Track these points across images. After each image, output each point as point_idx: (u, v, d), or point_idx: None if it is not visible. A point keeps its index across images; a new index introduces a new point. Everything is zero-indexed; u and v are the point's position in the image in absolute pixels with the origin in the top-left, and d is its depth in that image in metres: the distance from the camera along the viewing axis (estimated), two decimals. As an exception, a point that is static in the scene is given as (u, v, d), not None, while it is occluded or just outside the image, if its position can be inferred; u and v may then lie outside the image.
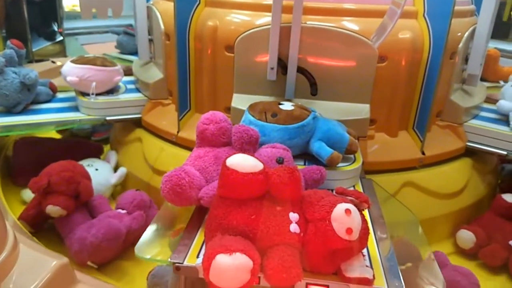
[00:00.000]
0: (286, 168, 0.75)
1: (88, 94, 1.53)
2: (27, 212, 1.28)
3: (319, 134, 1.06)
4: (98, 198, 1.32)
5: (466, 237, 1.30)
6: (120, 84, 1.68)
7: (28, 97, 1.51)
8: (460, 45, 1.39)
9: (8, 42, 1.56)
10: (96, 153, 1.67)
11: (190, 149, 1.35)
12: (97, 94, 1.55)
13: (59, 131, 1.83)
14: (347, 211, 0.68)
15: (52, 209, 1.19)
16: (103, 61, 1.57)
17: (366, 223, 0.73)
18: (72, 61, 1.56)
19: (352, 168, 1.05)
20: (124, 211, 1.28)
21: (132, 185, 1.47)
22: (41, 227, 1.30)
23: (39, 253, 0.78)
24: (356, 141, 1.10)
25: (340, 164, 1.04)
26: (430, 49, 1.28)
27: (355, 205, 0.72)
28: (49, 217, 1.24)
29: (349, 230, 0.67)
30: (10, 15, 2.13)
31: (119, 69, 1.62)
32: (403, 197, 1.24)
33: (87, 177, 1.29)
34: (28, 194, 1.39)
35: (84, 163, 1.43)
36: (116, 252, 1.22)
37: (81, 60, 1.56)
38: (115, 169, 1.53)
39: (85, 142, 1.76)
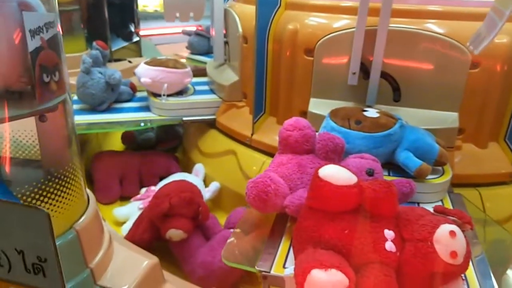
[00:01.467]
0: (382, 182, 0.71)
1: (159, 95, 1.57)
2: (140, 236, 1.17)
3: (406, 144, 1.01)
4: (211, 218, 1.24)
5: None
6: (189, 85, 1.71)
7: (112, 96, 1.59)
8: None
9: (94, 43, 1.65)
10: (174, 164, 1.64)
11: (263, 151, 1.37)
12: (168, 95, 1.58)
13: (123, 141, 1.86)
14: (452, 232, 0.64)
15: (175, 233, 1.12)
16: (174, 63, 1.61)
17: (469, 246, 0.68)
18: (146, 63, 1.61)
19: (441, 181, 0.99)
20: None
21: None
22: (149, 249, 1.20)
23: (133, 252, 0.81)
24: (447, 152, 1.03)
25: (428, 177, 0.98)
26: (529, 54, 1.18)
27: (458, 226, 0.67)
28: (162, 239, 1.16)
29: (453, 254, 0.63)
30: (92, 16, 2.26)
31: (189, 71, 1.64)
32: (491, 214, 1.16)
33: (202, 197, 1.22)
34: (122, 212, 1.39)
35: (176, 178, 1.38)
36: (238, 275, 1.14)
37: (154, 62, 1.61)
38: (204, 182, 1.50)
39: (162, 153, 1.72)
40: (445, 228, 0.65)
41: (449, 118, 1.18)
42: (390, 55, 1.19)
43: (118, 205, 1.48)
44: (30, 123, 0.66)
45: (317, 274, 0.62)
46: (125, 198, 1.52)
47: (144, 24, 3.12)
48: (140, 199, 1.40)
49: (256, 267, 0.76)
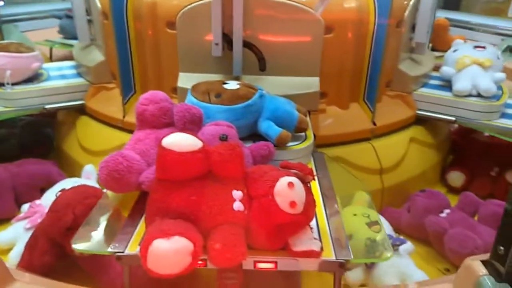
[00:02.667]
0: (227, 144, 0.71)
1: (3, 84, 1.40)
2: (39, 260, 1.02)
3: (266, 114, 1.02)
4: None
5: (456, 176, 1.47)
6: (42, 71, 1.55)
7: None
8: (406, 13, 1.39)
9: None
10: (55, 170, 1.40)
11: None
12: (14, 84, 1.41)
13: None
14: (290, 184, 0.66)
15: None
16: (17, 47, 1.44)
17: (312, 195, 0.71)
18: None
19: (303, 146, 1.02)
20: None
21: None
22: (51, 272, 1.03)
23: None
24: (307, 118, 1.07)
25: (290, 143, 1.01)
26: (376, 18, 1.27)
27: (300, 178, 0.69)
28: (68, 257, 1.02)
29: (292, 204, 0.65)
30: None
31: (36, 55, 1.49)
32: (357, 169, 1.25)
33: None
34: (4, 238, 1.16)
35: (66, 186, 1.19)
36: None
37: None
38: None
39: (36, 161, 1.44)
40: (283, 181, 0.67)
41: (311, 83, 1.23)
42: (252, 25, 1.20)
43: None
44: None
45: (159, 244, 0.60)
46: (1, 221, 1.29)
47: (9, 10, 2.80)
48: (24, 218, 1.17)
49: (109, 248, 0.72)
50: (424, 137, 1.44)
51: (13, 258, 1.09)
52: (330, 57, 1.26)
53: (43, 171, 1.38)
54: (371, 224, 0.98)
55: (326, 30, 1.21)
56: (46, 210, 1.09)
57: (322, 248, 0.71)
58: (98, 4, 1.38)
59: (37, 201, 1.21)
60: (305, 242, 0.70)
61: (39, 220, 1.10)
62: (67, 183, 1.22)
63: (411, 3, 1.39)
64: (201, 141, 0.71)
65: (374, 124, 1.32)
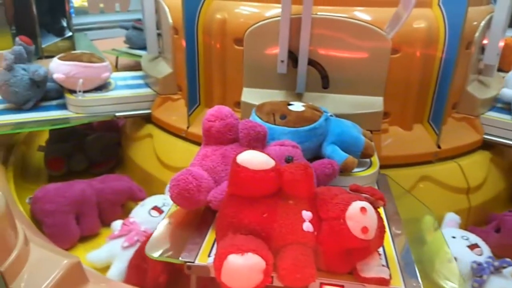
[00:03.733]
0: (299, 164, 0.73)
1: (75, 92, 1.50)
2: (154, 281, 0.98)
3: (332, 137, 1.01)
4: None
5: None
6: (111, 80, 1.63)
7: (37, 94, 1.51)
8: (477, 34, 1.35)
9: (17, 39, 1.56)
10: (135, 187, 1.39)
11: (200, 144, 1.35)
12: (85, 92, 1.51)
13: (50, 168, 1.58)
14: (363, 209, 0.66)
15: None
16: (89, 57, 1.54)
17: (382, 221, 0.71)
18: (59, 58, 1.53)
19: (368, 173, 1.01)
20: None
21: (143, 180, 1.46)
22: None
23: (50, 252, 0.77)
24: (373, 144, 1.05)
25: (355, 170, 0.99)
26: (446, 39, 1.24)
27: (370, 203, 0.69)
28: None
29: (364, 229, 0.65)
30: (18, 11, 2.13)
31: (107, 65, 1.58)
32: (418, 192, 1.22)
33: None
34: (99, 257, 1.14)
35: (158, 201, 1.21)
36: None
37: (68, 57, 1.53)
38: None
39: (116, 176, 1.45)
40: (356, 205, 0.67)
41: (375, 103, 1.22)
42: (317, 43, 1.21)
43: (83, 248, 1.25)
44: None
45: (233, 259, 0.62)
46: (86, 238, 1.29)
47: (80, 19, 3.00)
48: (119, 236, 1.15)
49: (180, 258, 0.75)
50: (492, 162, 1.39)
51: (112, 276, 1.07)
52: (396, 77, 1.24)
53: (125, 187, 1.37)
54: (472, 246, 0.96)
55: (393, 50, 1.20)
56: (141, 228, 1.12)
57: (391, 276, 0.70)
58: (170, 20, 1.45)
59: (131, 219, 1.19)
60: (373, 268, 0.70)
61: (136, 238, 1.11)
62: (157, 200, 1.24)
63: (481, 24, 1.35)
64: (273, 160, 0.73)
65: (439, 147, 1.28)
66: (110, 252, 1.13)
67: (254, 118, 1.04)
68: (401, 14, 1.09)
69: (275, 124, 1.00)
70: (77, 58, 1.52)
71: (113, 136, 1.71)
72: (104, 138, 1.66)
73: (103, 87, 1.59)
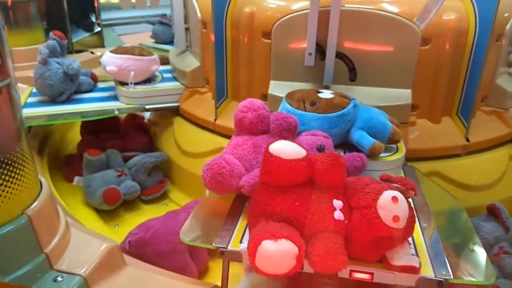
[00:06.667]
0: (330, 154, 0.74)
1: (126, 84, 1.57)
2: None
3: (360, 123, 1.03)
4: None
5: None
6: (157, 73, 1.71)
7: (71, 87, 1.57)
8: (508, 26, 1.32)
9: (51, 33, 1.61)
10: None
11: (227, 136, 1.38)
12: (135, 83, 1.57)
13: (107, 201, 1.37)
14: (394, 198, 0.67)
15: None
16: (140, 51, 1.60)
17: (413, 210, 0.72)
18: (111, 51, 1.60)
19: (394, 158, 1.02)
20: None
21: (171, 171, 1.49)
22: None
23: (90, 236, 0.81)
24: (399, 130, 1.07)
25: (382, 154, 1.01)
26: (476, 31, 1.22)
27: (401, 192, 0.70)
28: None
29: (396, 218, 0.66)
30: (50, 7, 2.20)
31: (155, 59, 1.64)
32: (446, 185, 1.21)
33: None
34: None
35: None
36: None
37: (120, 50, 1.60)
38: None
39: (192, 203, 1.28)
40: (387, 194, 0.68)
41: (403, 95, 1.22)
42: (345, 36, 1.22)
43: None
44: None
45: (267, 245, 0.65)
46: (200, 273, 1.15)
47: (108, 14, 3.06)
48: None
49: (213, 243, 0.77)
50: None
51: None
52: (425, 69, 1.24)
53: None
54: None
55: (422, 41, 1.19)
56: None
57: (421, 264, 0.71)
58: (199, 14, 1.47)
59: None
60: (403, 256, 0.71)
61: None
62: None
63: (514, 15, 1.32)
64: (305, 150, 0.74)
65: (468, 140, 1.27)
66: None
67: (285, 105, 1.06)
68: (430, 7, 1.08)
69: (305, 111, 1.03)
70: (129, 52, 1.58)
71: (153, 156, 1.54)
72: (145, 162, 1.50)
73: (151, 79, 1.66)
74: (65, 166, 1.63)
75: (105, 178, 1.42)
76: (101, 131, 1.71)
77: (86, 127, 1.73)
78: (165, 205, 1.50)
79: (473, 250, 0.91)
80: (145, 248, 1.10)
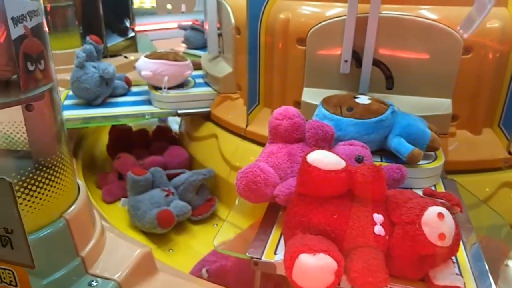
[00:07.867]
0: (371, 166, 0.71)
1: (160, 88, 1.58)
2: None
3: (398, 129, 1.01)
4: None
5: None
6: (190, 78, 1.72)
7: (106, 91, 1.59)
8: (555, 34, 1.25)
9: (88, 38, 1.65)
10: None
11: (258, 143, 1.37)
12: (169, 88, 1.59)
13: (161, 223, 1.26)
14: (440, 215, 0.64)
15: None
16: (175, 56, 1.61)
17: (458, 228, 0.68)
18: (146, 56, 1.62)
19: (433, 166, 0.99)
20: None
21: (218, 187, 1.47)
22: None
23: (125, 242, 0.81)
24: (439, 137, 1.03)
25: (420, 162, 0.98)
26: (522, 39, 1.17)
27: (447, 209, 0.67)
28: None
29: (442, 236, 0.63)
30: (86, 12, 2.26)
31: (189, 64, 1.65)
32: (487, 200, 1.16)
33: None
34: None
35: None
36: None
37: (154, 55, 1.61)
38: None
39: None
40: (433, 210, 0.65)
41: (443, 105, 1.18)
42: (382, 43, 1.19)
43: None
44: (17, 113, 0.66)
45: (305, 259, 0.63)
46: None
47: (140, 20, 3.12)
48: None
49: (247, 253, 0.76)
50: None
51: None
52: (466, 79, 1.19)
53: None
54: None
55: (464, 50, 1.15)
56: None
57: (465, 285, 0.67)
58: (232, 20, 1.47)
59: None
60: (447, 276, 0.67)
61: None
62: None
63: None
64: (344, 161, 0.72)
65: (510, 153, 1.21)
66: None
67: (321, 110, 1.05)
68: (474, 16, 1.04)
69: (342, 116, 1.01)
70: (164, 57, 1.60)
71: (201, 173, 1.45)
72: (193, 180, 1.42)
73: (184, 84, 1.67)
74: (101, 185, 1.54)
75: (153, 199, 1.31)
76: (131, 146, 1.65)
77: (114, 140, 1.70)
78: (215, 225, 1.40)
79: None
80: (225, 278, 1.02)
